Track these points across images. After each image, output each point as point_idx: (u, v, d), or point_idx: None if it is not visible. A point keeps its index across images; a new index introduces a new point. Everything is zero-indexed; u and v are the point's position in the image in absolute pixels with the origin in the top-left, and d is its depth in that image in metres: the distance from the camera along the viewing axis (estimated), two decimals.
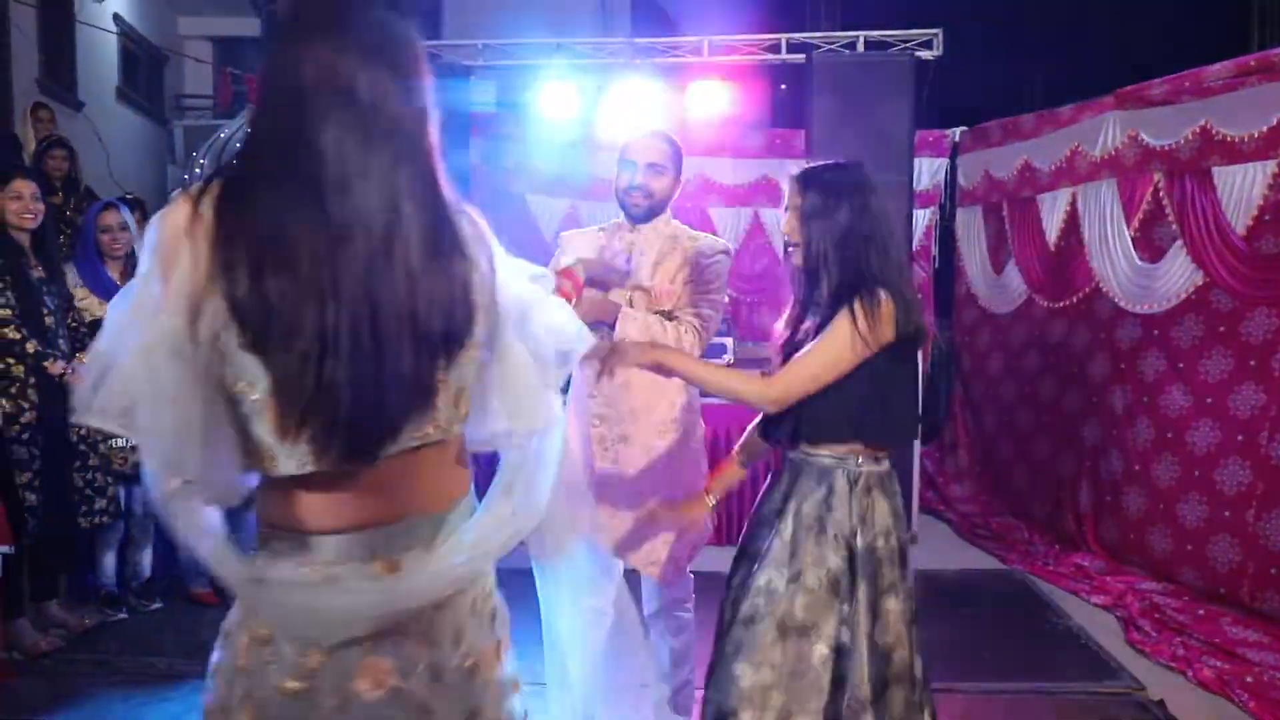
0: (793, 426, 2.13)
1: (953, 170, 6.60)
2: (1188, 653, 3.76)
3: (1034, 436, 5.79)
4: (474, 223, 1.27)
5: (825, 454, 2.11)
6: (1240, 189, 4.39)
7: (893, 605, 2.08)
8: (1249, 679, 3.49)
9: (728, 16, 6.72)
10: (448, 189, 1.23)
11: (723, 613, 2.21)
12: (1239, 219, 4.39)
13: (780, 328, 2.23)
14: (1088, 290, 5.27)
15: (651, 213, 2.69)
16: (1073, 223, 5.39)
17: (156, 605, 4.18)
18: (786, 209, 2.16)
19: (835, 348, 2.03)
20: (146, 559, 4.26)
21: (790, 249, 2.16)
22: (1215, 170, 4.50)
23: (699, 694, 2.90)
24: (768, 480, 2.29)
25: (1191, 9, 8.11)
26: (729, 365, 2.04)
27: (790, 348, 2.16)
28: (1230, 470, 4.41)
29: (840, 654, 2.04)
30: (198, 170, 8.88)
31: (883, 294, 2.03)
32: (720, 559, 2.69)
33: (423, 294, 1.16)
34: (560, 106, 5.75)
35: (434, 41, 6.09)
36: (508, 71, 6.03)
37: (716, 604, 2.24)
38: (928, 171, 6.59)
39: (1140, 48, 7.37)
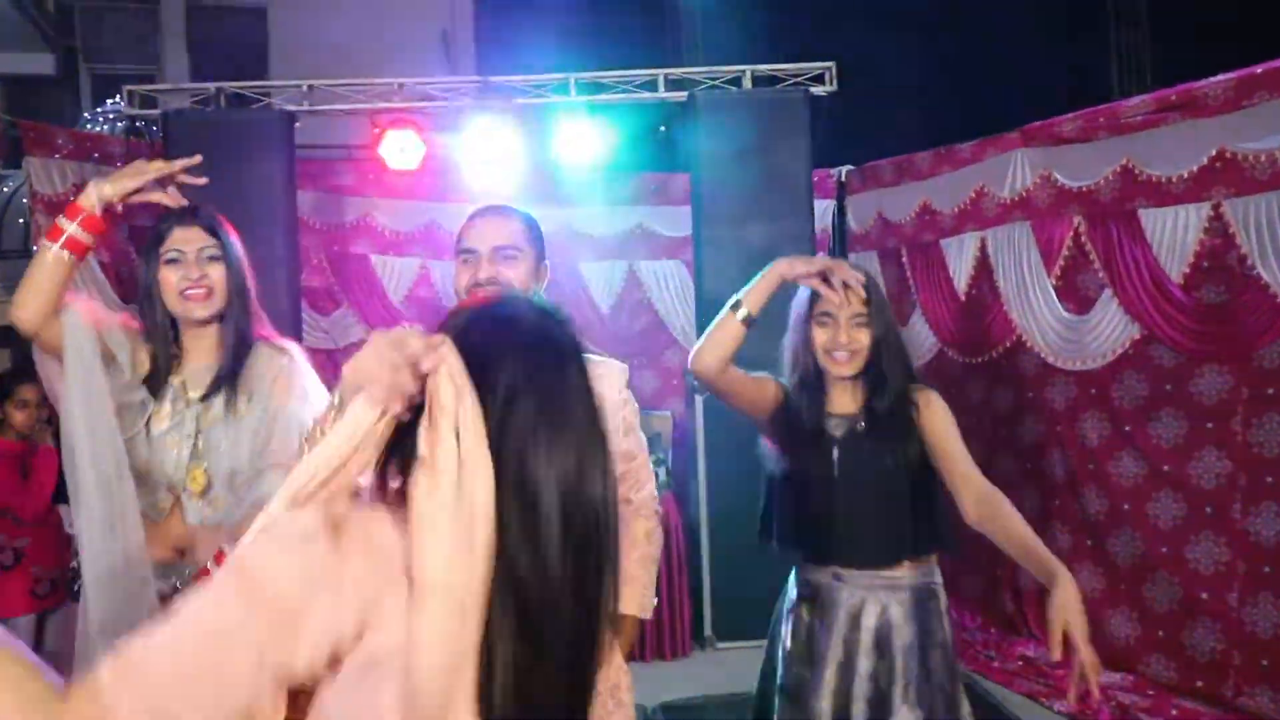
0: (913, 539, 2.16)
1: (840, 213, 6.11)
2: None
3: None
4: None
5: (912, 572, 2.18)
6: (1173, 233, 4.02)
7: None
8: None
9: (594, 52, 6.06)
10: None
11: None
12: (1174, 266, 4.01)
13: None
14: (1009, 344, 4.79)
15: None
16: (984, 270, 4.93)
17: None
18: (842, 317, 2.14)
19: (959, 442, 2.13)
20: None
21: (845, 355, 2.15)
22: (1142, 213, 4.13)
23: None
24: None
25: (1058, 53, 8.03)
26: None
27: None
28: (1203, 547, 3.94)
29: None
30: None
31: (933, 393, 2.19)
32: None
33: None
34: (405, 156, 4.92)
35: (256, 82, 5.15)
36: (341, 116, 5.17)
37: None
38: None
39: (1013, 87, 7.15)
